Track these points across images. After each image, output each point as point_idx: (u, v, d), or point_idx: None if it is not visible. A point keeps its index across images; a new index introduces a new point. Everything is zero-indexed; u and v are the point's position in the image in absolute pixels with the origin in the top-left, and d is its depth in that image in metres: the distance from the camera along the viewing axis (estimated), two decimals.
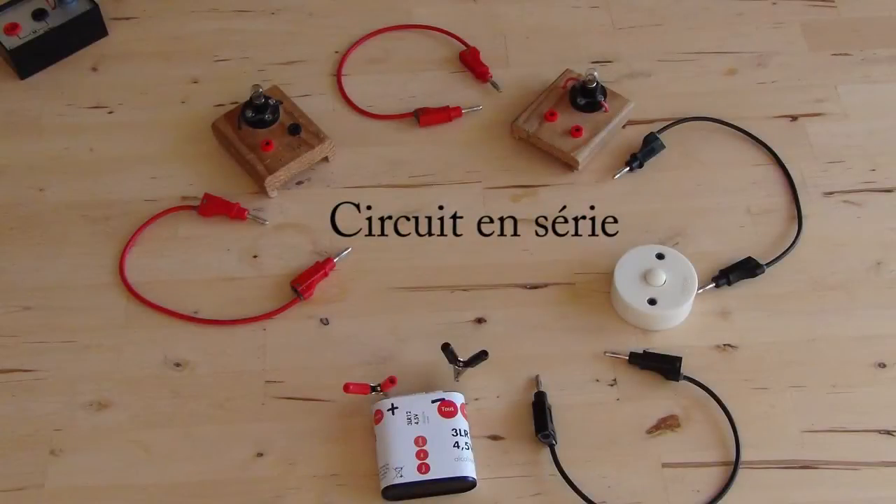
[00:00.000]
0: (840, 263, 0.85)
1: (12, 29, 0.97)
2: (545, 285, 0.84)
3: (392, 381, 0.76)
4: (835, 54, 0.99)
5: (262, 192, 0.89)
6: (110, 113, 0.96)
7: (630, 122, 0.93)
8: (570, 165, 0.90)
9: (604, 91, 0.92)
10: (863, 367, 0.79)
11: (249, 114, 0.90)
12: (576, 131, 0.90)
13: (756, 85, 0.97)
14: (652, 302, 0.80)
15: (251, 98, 0.90)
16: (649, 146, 0.90)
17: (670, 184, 0.90)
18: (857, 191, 0.89)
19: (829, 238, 0.87)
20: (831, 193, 0.89)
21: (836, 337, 0.81)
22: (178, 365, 0.80)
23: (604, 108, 0.91)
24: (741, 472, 0.74)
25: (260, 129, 0.90)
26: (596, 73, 0.91)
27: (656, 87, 0.97)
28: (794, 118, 0.94)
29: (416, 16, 1.03)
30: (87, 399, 0.79)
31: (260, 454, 0.76)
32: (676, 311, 0.80)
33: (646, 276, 0.81)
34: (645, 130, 0.92)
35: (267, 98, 0.90)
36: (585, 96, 0.91)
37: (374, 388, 0.76)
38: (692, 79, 0.97)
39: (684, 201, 0.89)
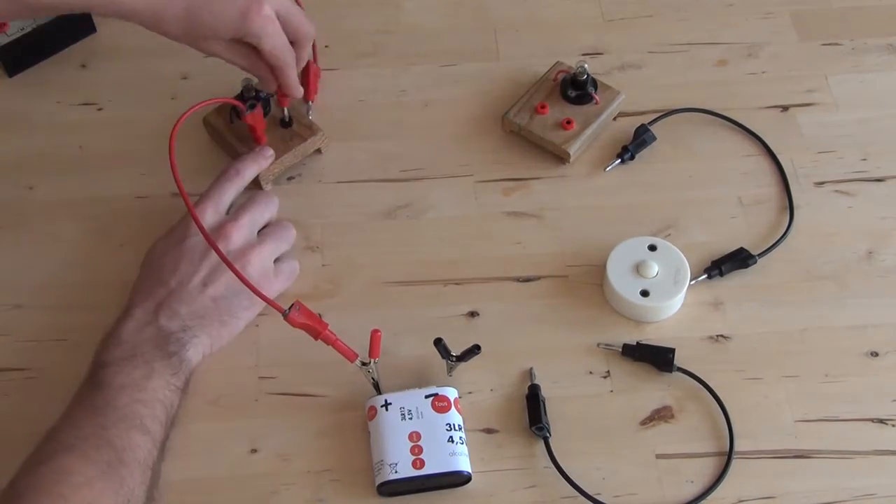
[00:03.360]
0: (832, 253, 0.85)
1: (0, 27, 0.96)
2: (538, 278, 0.84)
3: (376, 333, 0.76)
4: (825, 44, 0.99)
5: (256, 185, 0.89)
6: (100, 110, 0.95)
7: (621, 114, 0.93)
8: (561, 158, 0.90)
9: (594, 83, 0.92)
10: (855, 356, 0.80)
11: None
12: (567, 124, 0.90)
13: (746, 76, 0.97)
14: (644, 294, 0.80)
15: (242, 92, 0.89)
16: (640, 138, 0.90)
17: (662, 175, 0.90)
18: (849, 180, 0.90)
19: (821, 228, 0.87)
20: (822, 183, 0.89)
21: (829, 326, 0.81)
22: None
23: (595, 101, 0.91)
24: (735, 463, 0.75)
25: None
26: (586, 66, 0.91)
27: (647, 78, 0.97)
28: (784, 108, 0.94)
29: (406, 10, 1.03)
30: None
31: (254, 450, 0.76)
32: (669, 302, 0.80)
33: (638, 268, 0.81)
34: (636, 122, 0.92)
35: (258, 91, 0.90)
36: (576, 88, 0.91)
37: (364, 363, 0.76)
38: (683, 70, 0.97)
39: (676, 193, 0.89)
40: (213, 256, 0.77)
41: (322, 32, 1.00)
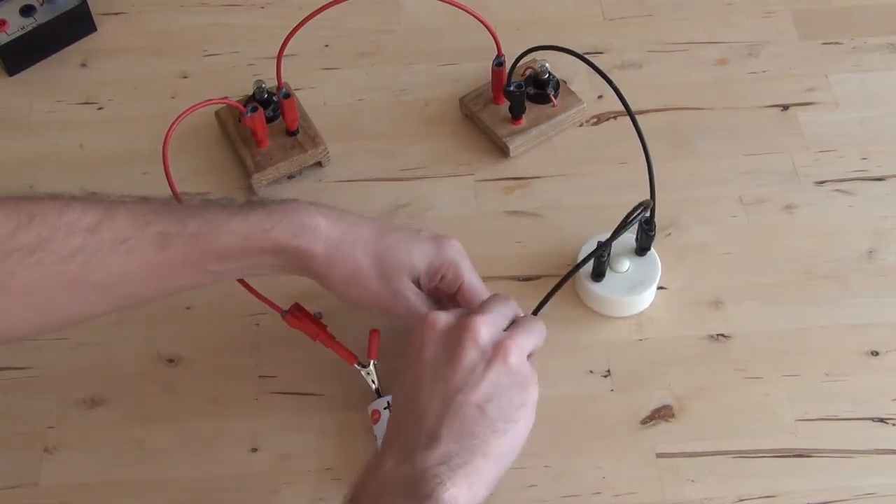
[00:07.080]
0: (832, 252, 0.85)
1: (0, 25, 0.96)
2: (538, 277, 0.84)
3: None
4: (825, 43, 0.99)
5: (250, 190, 0.88)
6: (100, 109, 0.95)
7: (619, 115, 0.93)
8: (503, 151, 0.90)
9: (557, 86, 0.92)
10: (856, 355, 0.80)
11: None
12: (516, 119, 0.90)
13: (747, 74, 0.97)
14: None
15: (254, 93, 0.89)
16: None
17: (662, 175, 0.89)
18: (849, 179, 0.89)
19: (821, 227, 0.87)
20: (823, 182, 0.89)
21: (829, 325, 0.81)
22: (171, 361, 0.80)
23: (552, 103, 0.91)
24: (735, 462, 0.74)
25: None
26: (547, 65, 0.90)
27: (647, 77, 0.97)
28: (785, 107, 0.94)
29: (406, 9, 1.03)
30: (79, 396, 0.78)
31: (254, 449, 0.76)
32: (645, 294, 0.80)
33: (612, 265, 0.81)
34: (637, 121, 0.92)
35: (271, 94, 0.89)
36: (536, 87, 0.91)
37: (363, 365, 0.76)
38: (683, 69, 0.97)
39: (676, 192, 0.89)
40: (463, 355, 0.63)
41: (322, 32, 1.01)
